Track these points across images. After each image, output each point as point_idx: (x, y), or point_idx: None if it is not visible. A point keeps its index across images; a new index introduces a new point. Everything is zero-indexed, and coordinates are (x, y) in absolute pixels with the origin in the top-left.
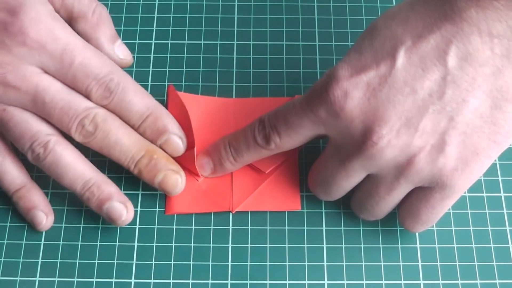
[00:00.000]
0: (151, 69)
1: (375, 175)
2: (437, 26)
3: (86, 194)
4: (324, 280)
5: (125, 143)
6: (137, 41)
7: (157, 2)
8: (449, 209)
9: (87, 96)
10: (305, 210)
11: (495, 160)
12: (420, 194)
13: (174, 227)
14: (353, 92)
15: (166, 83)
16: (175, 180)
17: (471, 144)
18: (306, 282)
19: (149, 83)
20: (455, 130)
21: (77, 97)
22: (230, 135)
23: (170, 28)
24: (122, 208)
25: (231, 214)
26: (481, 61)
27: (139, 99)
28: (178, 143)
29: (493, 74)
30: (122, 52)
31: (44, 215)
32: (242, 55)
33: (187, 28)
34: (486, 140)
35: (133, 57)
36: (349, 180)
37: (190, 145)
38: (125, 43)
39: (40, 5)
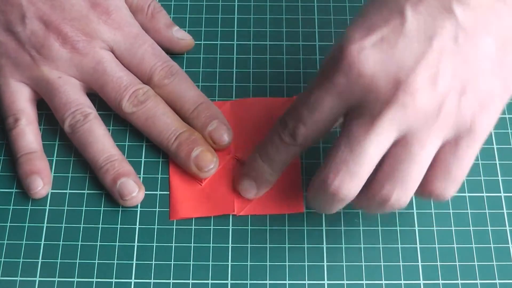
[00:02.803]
0: None
1: (403, 136)
2: None
3: (107, 165)
4: (324, 280)
5: (171, 116)
6: None
7: None
8: (449, 209)
9: (150, 75)
10: (305, 210)
11: (495, 160)
12: (446, 149)
13: (174, 227)
14: (368, 49)
15: None
16: (211, 158)
17: (486, 87)
18: (306, 282)
19: None
20: (471, 73)
21: (132, 75)
22: (258, 147)
23: None
24: (135, 186)
25: (231, 214)
26: (484, 6)
27: (195, 89)
28: (226, 131)
29: (496, 18)
30: (180, 35)
31: (42, 183)
32: (242, 55)
33: (187, 28)
34: (497, 83)
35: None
36: (379, 144)
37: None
38: None
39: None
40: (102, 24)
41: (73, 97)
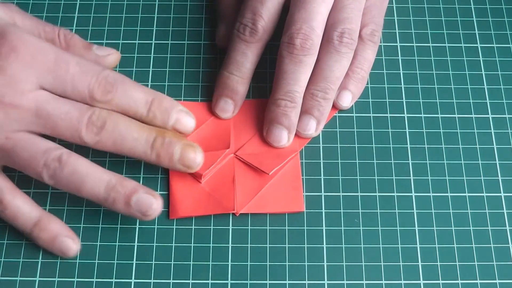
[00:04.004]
0: (151, 69)
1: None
2: None
3: (111, 194)
4: (324, 280)
5: (135, 128)
6: (137, 41)
7: (157, 2)
8: (449, 209)
9: (90, 95)
10: (305, 210)
11: (495, 160)
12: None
13: (174, 227)
14: None
15: (166, 83)
16: (194, 152)
17: None
18: (306, 282)
19: (149, 83)
20: None
21: (77, 103)
22: (223, 65)
23: (170, 28)
24: (150, 198)
25: (231, 214)
26: None
27: (139, 89)
28: (187, 117)
29: None
30: (103, 51)
31: (71, 240)
32: None
33: (187, 28)
34: None
35: (134, 57)
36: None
37: (225, 145)
38: (125, 43)
39: (20, 28)
40: (16, 66)
41: (34, 148)
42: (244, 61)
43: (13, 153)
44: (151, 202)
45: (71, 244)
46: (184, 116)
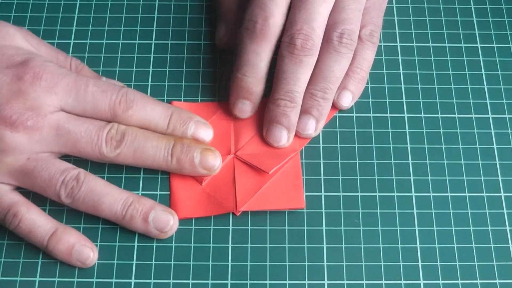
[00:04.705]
0: (151, 69)
1: None
2: None
3: (129, 211)
4: (324, 280)
5: (153, 137)
6: (137, 41)
7: (157, 2)
8: (449, 209)
9: (112, 112)
10: (305, 210)
11: (495, 160)
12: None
13: None
14: None
15: (166, 83)
16: (213, 154)
17: None
18: (306, 282)
19: (149, 83)
20: None
21: (95, 120)
22: (235, 68)
23: (170, 28)
24: (168, 215)
25: (231, 214)
26: None
27: (157, 104)
28: (205, 127)
29: None
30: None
31: (89, 248)
32: None
33: (187, 28)
34: None
35: (134, 57)
36: (327, 5)
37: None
38: (125, 43)
39: (41, 56)
40: (39, 90)
41: (53, 168)
42: (257, 61)
43: (34, 173)
44: (169, 219)
45: (89, 252)
46: (202, 126)
